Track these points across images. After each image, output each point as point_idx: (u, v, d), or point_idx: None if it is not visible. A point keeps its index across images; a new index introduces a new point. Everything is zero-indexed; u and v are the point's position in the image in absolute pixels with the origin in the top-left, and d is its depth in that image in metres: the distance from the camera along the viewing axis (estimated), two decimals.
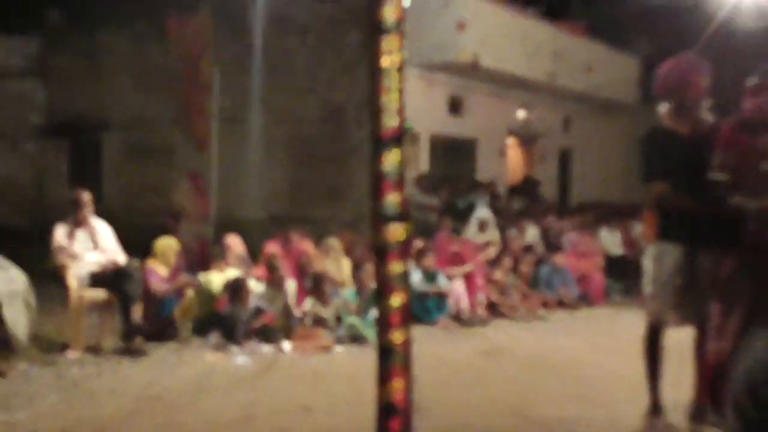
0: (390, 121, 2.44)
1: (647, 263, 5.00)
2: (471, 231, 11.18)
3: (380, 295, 2.51)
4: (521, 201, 14.04)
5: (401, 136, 2.48)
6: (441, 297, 9.09)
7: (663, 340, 4.90)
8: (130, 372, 6.34)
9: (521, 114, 15.66)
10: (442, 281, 9.17)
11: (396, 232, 2.44)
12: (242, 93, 13.59)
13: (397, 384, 2.46)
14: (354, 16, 12.11)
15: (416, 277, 9.06)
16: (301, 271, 8.51)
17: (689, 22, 13.98)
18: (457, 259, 9.66)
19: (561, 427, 4.99)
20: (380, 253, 2.47)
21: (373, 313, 8.03)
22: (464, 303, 9.25)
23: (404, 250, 2.49)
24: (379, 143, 2.44)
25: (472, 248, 10.13)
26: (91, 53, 15.78)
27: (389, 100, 2.43)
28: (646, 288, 5.04)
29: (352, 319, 7.78)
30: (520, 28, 14.16)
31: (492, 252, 10.42)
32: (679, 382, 4.99)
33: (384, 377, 2.47)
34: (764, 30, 13.06)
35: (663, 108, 4.99)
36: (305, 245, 9.23)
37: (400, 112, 2.46)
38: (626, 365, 6.09)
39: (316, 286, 8.06)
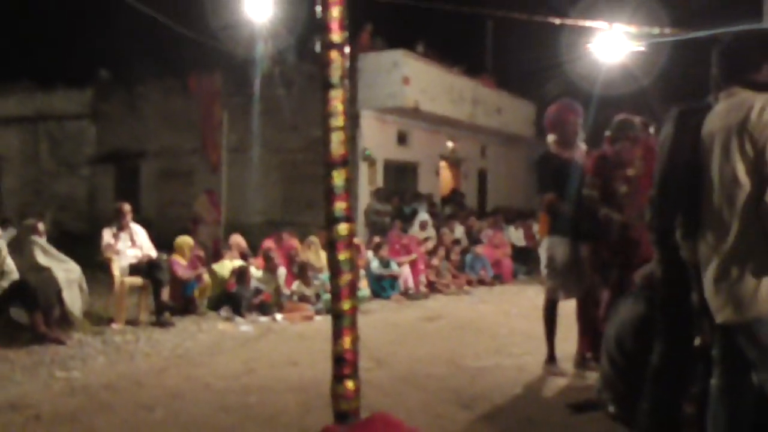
0: (336, 150, 2.42)
1: (542, 253, 4.99)
2: (414, 229, 11.16)
3: (332, 276, 2.50)
4: (451, 208, 14.04)
5: (345, 161, 2.45)
6: (393, 278, 9.03)
7: (557, 309, 4.90)
8: (160, 338, 6.16)
9: (450, 144, 15.68)
10: (394, 267, 9.10)
11: (342, 230, 2.45)
12: (246, 130, 13.48)
13: (347, 341, 2.45)
14: None
15: (375, 264, 8.99)
16: (290, 260, 8.37)
17: (571, 76, 14.15)
18: (405, 250, 9.61)
19: (482, 373, 4.95)
20: (331, 245, 2.47)
21: None
22: (411, 282, 9.20)
23: (348, 243, 2.47)
24: (329, 166, 2.43)
25: (416, 242, 10.09)
26: (131, 101, 15.49)
27: (335, 136, 2.42)
28: (543, 271, 5.03)
29: (328, 296, 7.63)
30: (449, 81, 14.17)
31: (430, 245, 10.39)
32: (567, 339, 4.99)
33: (336, 336, 2.46)
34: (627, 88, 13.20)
35: (550, 139, 5.00)
36: (293, 241, 9.11)
37: (344, 143, 2.44)
38: (529, 326, 6.10)
39: (301, 271, 7.94)
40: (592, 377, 4.31)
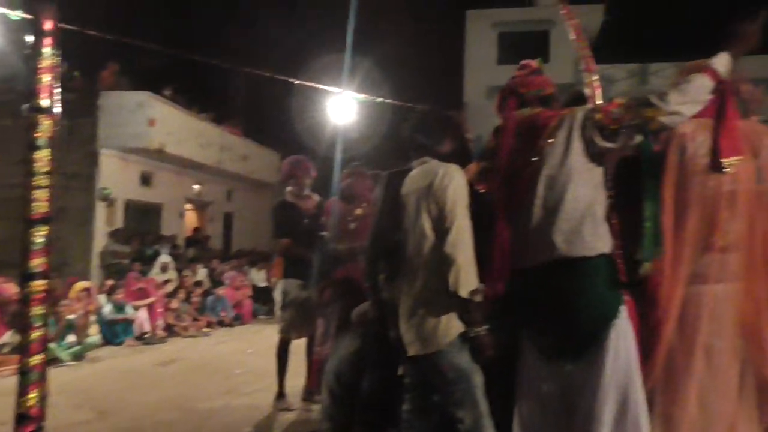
0: (38, 209, 2.33)
1: (277, 295, 5.03)
2: (155, 271, 10.48)
3: (23, 332, 2.31)
4: (195, 250, 13.52)
5: (48, 219, 2.34)
6: (128, 322, 8.30)
7: (289, 347, 4.95)
8: None
9: (196, 187, 15.19)
10: (129, 310, 8.38)
11: (37, 286, 2.31)
12: None
13: (32, 397, 2.26)
14: None
15: (107, 309, 8.19)
16: (2, 309, 7.19)
17: (309, 131, 14.74)
18: (143, 294, 8.93)
19: (211, 415, 4.73)
20: (25, 300, 2.29)
21: (68, 338, 7.10)
22: (147, 326, 8.55)
23: (43, 299, 2.31)
24: (29, 223, 2.32)
25: (155, 285, 9.45)
26: None
27: (38, 194, 2.34)
28: (277, 312, 5.07)
29: (50, 345, 6.71)
30: (197, 127, 13.79)
31: (170, 287, 9.82)
32: (299, 375, 5.05)
33: (22, 392, 2.25)
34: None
35: (287, 188, 5.15)
36: (8, 287, 7.82)
37: (49, 201, 2.34)
38: (264, 364, 5.97)
39: (14, 320, 6.84)
40: (317, 410, 4.41)
